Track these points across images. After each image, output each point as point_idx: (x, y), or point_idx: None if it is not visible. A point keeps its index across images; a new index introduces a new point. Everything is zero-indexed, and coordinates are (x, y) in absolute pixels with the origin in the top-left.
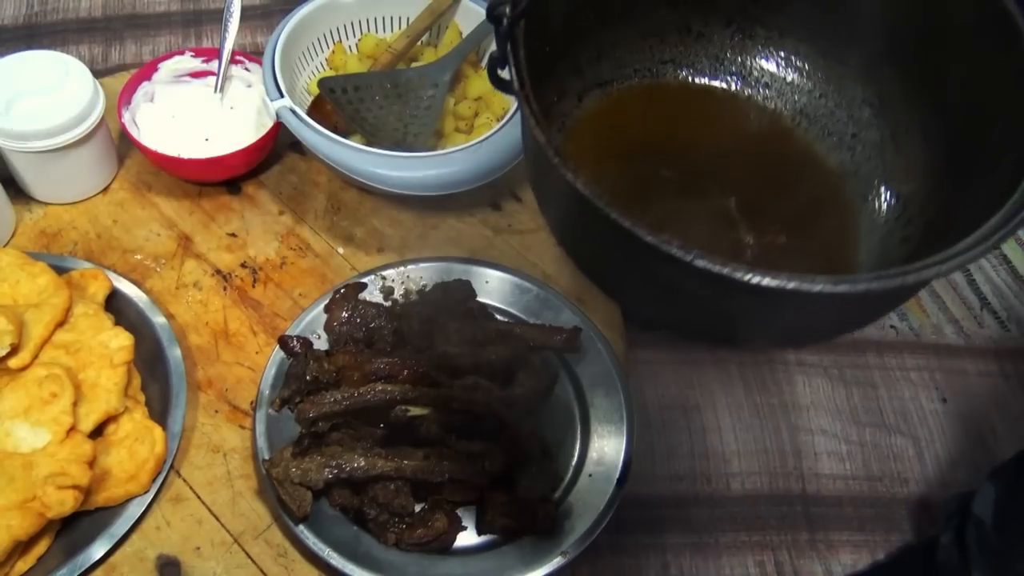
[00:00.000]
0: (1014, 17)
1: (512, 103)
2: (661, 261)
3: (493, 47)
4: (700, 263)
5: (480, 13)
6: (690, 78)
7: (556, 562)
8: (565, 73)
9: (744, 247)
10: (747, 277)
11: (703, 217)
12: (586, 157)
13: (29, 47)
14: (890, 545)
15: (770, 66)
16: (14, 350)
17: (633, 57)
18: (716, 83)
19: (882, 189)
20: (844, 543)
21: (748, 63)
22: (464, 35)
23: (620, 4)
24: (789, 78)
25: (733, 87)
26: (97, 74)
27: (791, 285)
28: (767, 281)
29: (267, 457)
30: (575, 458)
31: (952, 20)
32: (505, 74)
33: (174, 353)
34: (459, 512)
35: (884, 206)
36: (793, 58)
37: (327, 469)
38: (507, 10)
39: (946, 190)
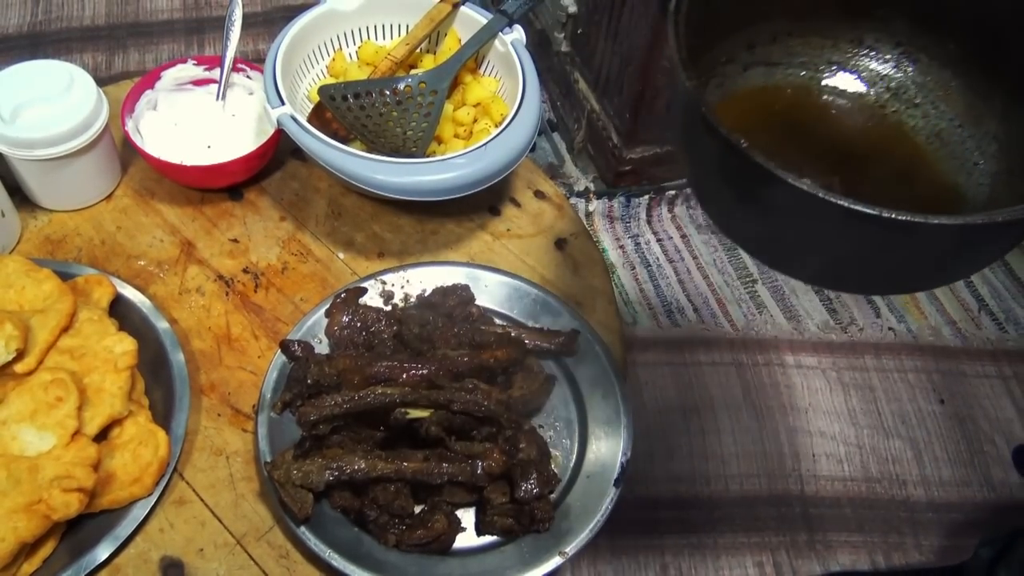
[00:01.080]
0: None
1: (511, 109)
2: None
3: (513, 37)
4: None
5: (478, 21)
6: (850, 83)
7: (555, 562)
8: (737, 44)
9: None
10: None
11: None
12: (729, 118)
13: (33, 55)
14: (888, 546)
15: (924, 89)
16: (20, 355)
17: (804, 50)
18: (871, 93)
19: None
20: (843, 544)
21: (906, 82)
22: (463, 42)
23: (805, 4)
24: (939, 103)
25: (885, 99)
26: (100, 82)
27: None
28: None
29: (269, 460)
30: (573, 459)
31: None
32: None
33: (177, 358)
34: (459, 513)
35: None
36: (947, 86)
37: (328, 471)
38: None
39: None
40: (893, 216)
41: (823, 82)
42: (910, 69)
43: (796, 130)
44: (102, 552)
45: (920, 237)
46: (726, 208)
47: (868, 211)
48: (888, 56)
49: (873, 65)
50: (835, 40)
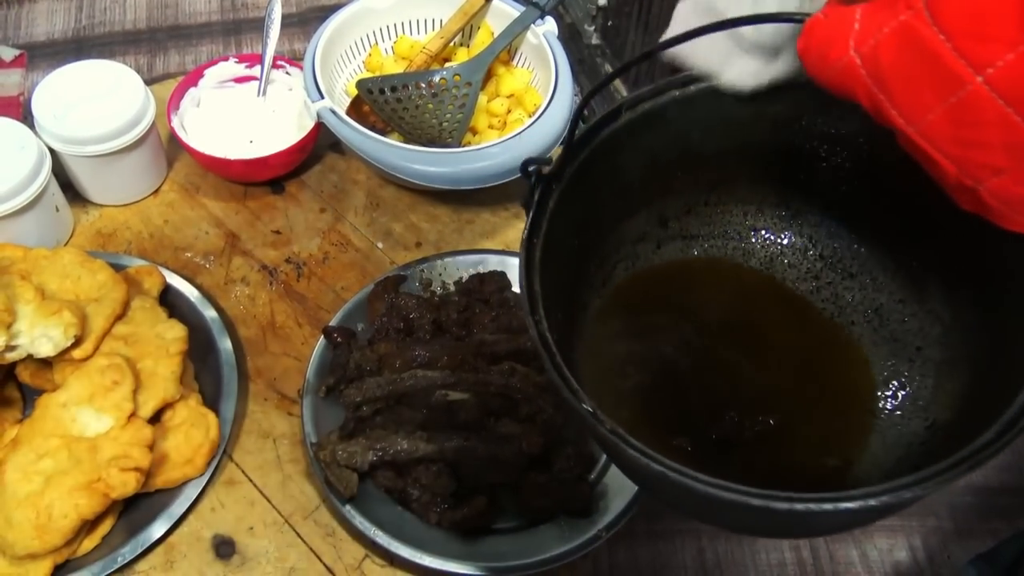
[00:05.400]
0: None
1: (544, 99)
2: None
3: (545, 28)
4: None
5: (510, 13)
6: (775, 253)
7: (593, 541)
8: (645, 219)
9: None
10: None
11: (726, 393)
12: (643, 301)
13: (78, 59)
14: (925, 530)
15: (858, 262)
16: (78, 341)
17: (724, 219)
18: (804, 262)
19: (923, 410)
20: (879, 528)
21: (839, 248)
22: (495, 35)
23: (716, 175)
24: (876, 274)
25: (817, 268)
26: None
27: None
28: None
29: (314, 441)
30: None
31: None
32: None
33: (224, 345)
34: (498, 492)
35: (914, 428)
36: (886, 256)
37: (372, 452)
38: (539, 168)
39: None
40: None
41: (751, 250)
42: (843, 233)
43: (698, 308)
44: (157, 529)
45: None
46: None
47: (691, 484)
48: (817, 221)
49: (803, 230)
50: (759, 204)
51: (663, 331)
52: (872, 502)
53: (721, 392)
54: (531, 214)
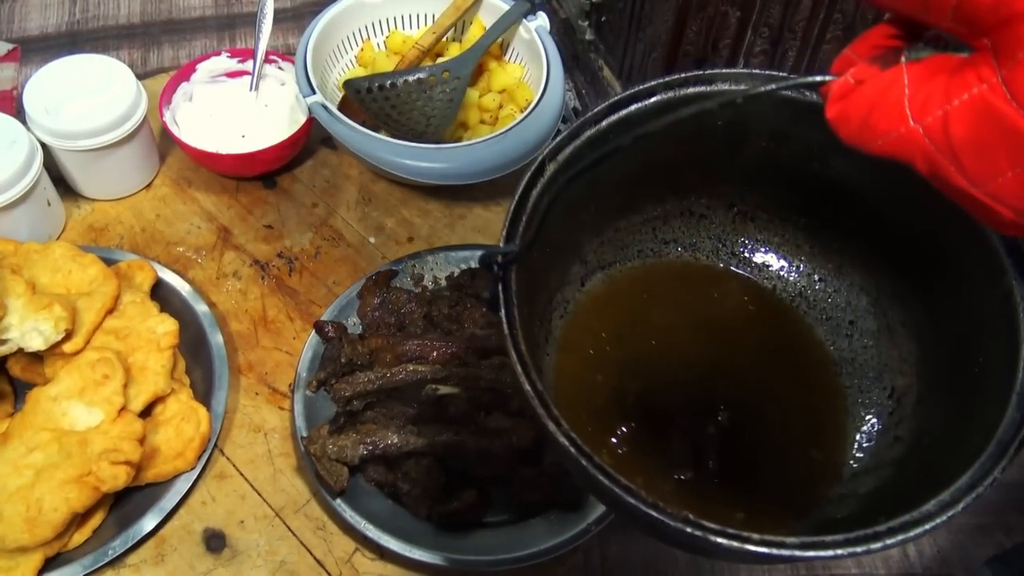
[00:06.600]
0: (1000, 255)
1: (536, 94)
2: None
3: (537, 24)
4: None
5: (503, 8)
6: (692, 257)
7: (583, 536)
8: (568, 263)
9: (716, 435)
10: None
11: (688, 404)
12: (586, 342)
13: (71, 53)
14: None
15: (771, 247)
16: (68, 335)
17: (636, 238)
18: (718, 261)
19: (877, 381)
20: None
21: (749, 243)
22: (488, 29)
23: (621, 198)
24: (790, 260)
25: (734, 265)
26: (137, 77)
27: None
28: (736, 546)
29: (305, 435)
30: None
31: (945, 241)
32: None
33: (216, 339)
34: (488, 486)
35: (877, 399)
36: (794, 240)
37: (362, 446)
38: (499, 258)
39: (937, 395)
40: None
41: (667, 263)
42: (751, 227)
43: (643, 331)
44: (148, 523)
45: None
46: None
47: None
48: (723, 219)
49: (710, 231)
50: (664, 218)
51: (608, 363)
52: (840, 551)
53: (691, 396)
54: (504, 307)
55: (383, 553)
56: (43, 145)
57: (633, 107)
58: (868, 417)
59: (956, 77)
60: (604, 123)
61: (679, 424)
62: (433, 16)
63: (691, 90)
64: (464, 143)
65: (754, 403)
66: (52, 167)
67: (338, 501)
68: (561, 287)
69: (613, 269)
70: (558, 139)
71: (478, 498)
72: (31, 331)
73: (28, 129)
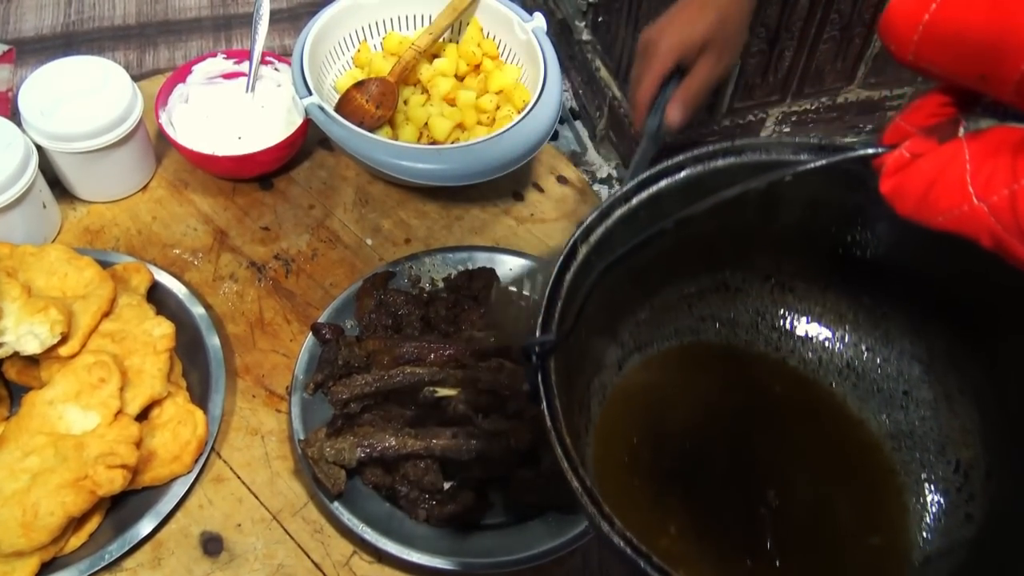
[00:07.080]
0: None
1: (533, 95)
2: None
3: (534, 25)
4: None
5: (500, 9)
6: (730, 332)
7: (581, 537)
8: (604, 345)
9: (768, 523)
10: None
11: (737, 507)
12: (627, 430)
13: (67, 54)
14: None
15: (813, 316)
16: (64, 339)
17: (672, 316)
18: (758, 336)
19: (940, 455)
20: None
21: (789, 315)
22: (485, 31)
23: (656, 276)
24: (833, 329)
25: (776, 339)
26: (133, 79)
27: None
28: None
29: (302, 438)
30: None
31: (996, 289)
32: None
33: (213, 341)
34: (487, 488)
35: (942, 474)
36: (836, 309)
37: (360, 448)
38: (537, 349)
39: (1010, 468)
40: None
41: (705, 342)
42: (789, 299)
43: (683, 417)
44: (145, 527)
45: None
46: None
47: None
48: (759, 292)
49: (747, 305)
50: (700, 294)
51: (651, 450)
52: None
53: (737, 484)
54: (545, 399)
55: (381, 556)
56: (39, 147)
57: (663, 183)
58: (933, 495)
59: (1022, 153)
60: (634, 200)
61: (728, 512)
62: (430, 17)
63: (720, 162)
64: (461, 144)
65: (805, 489)
66: (48, 169)
67: (336, 504)
68: (598, 372)
69: (651, 350)
70: (589, 219)
71: (476, 500)
72: (27, 334)
73: (23, 131)
